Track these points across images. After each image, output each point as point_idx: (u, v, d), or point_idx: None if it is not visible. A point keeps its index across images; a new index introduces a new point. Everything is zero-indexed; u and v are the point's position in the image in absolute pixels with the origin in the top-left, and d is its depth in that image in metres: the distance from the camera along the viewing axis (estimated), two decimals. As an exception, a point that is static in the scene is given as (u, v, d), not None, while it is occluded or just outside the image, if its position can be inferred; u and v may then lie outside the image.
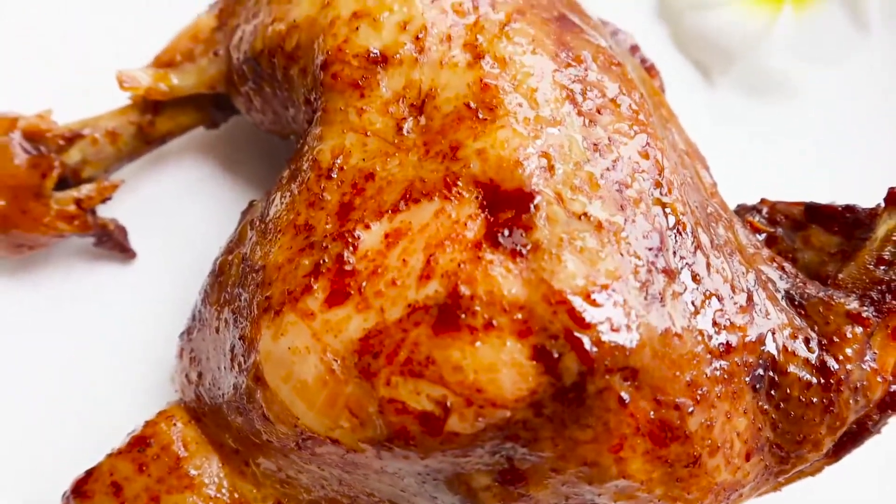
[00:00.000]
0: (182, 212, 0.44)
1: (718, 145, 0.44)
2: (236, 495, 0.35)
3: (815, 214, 0.35)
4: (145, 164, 0.43)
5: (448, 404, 0.29)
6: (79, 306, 0.42)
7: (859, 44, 0.44)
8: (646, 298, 0.29)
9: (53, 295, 0.42)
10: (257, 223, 0.34)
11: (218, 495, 0.35)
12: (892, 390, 0.33)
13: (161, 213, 0.43)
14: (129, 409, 0.39)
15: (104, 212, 0.41)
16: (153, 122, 0.41)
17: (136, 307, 0.42)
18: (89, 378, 0.40)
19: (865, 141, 0.44)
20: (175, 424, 0.35)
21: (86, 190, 0.39)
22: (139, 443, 0.35)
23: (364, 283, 0.30)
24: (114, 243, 0.41)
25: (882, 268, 0.32)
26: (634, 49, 0.42)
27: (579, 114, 0.32)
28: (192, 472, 0.35)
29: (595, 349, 0.28)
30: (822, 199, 0.36)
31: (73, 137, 0.39)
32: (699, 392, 0.30)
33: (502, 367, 0.29)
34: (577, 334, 0.28)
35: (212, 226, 0.43)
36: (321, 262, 0.31)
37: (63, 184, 0.39)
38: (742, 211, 0.37)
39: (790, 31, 0.45)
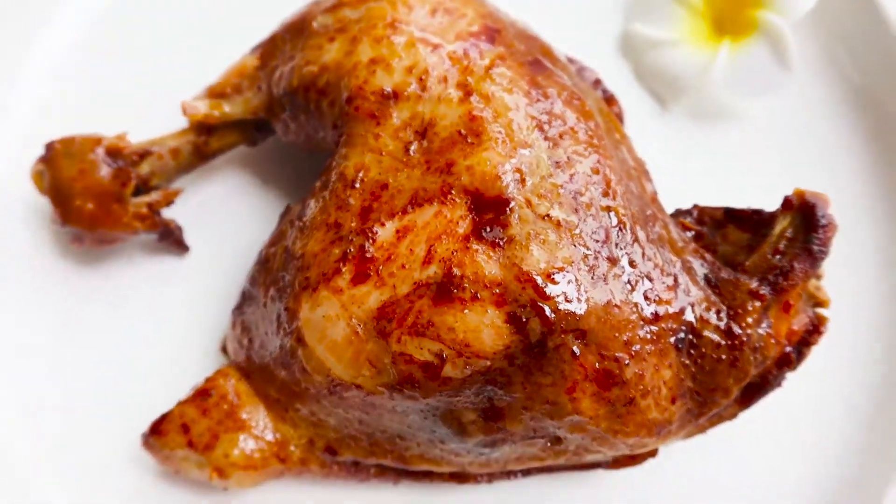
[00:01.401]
0: (226, 214, 0.50)
1: (670, 161, 0.51)
2: (278, 435, 0.43)
3: (732, 216, 0.43)
4: (199, 175, 0.50)
5: (444, 356, 0.36)
6: (144, 291, 0.49)
7: (782, 79, 0.51)
8: (593, 278, 0.38)
9: (124, 282, 0.49)
10: (296, 222, 0.42)
11: (263, 434, 0.43)
12: (785, 351, 0.41)
13: (210, 216, 0.50)
14: (186, 373, 0.46)
15: (166, 214, 0.48)
16: (207, 141, 0.48)
17: (189, 293, 0.49)
18: (155, 347, 0.47)
19: (784, 158, 0.51)
20: (229, 380, 0.43)
21: (155, 196, 0.47)
22: (202, 394, 0.43)
23: (380, 267, 0.38)
24: (173, 239, 0.48)
25: (777, 257, 0.40)
26: (597, 83, 0.49)
27: (545, 139, 0.40)
28: (244, 416, 0.43)
29: (553, 315, 0.36)
30: (742, 205, 0.43)
31: (144, 154, 0.46)
32: (633, 349, 0.37)
33: (484, 328, 0.36)
34: (540, 304, 0.36)
35: (250, 226, 0.50)
36: (348, 251, 0.38)
37: (137, 191, 0.46)
38: (678, 213, 0.44)
39: (727, 69, 0.52)
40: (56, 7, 0.51)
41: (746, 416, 0.42)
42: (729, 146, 0.53)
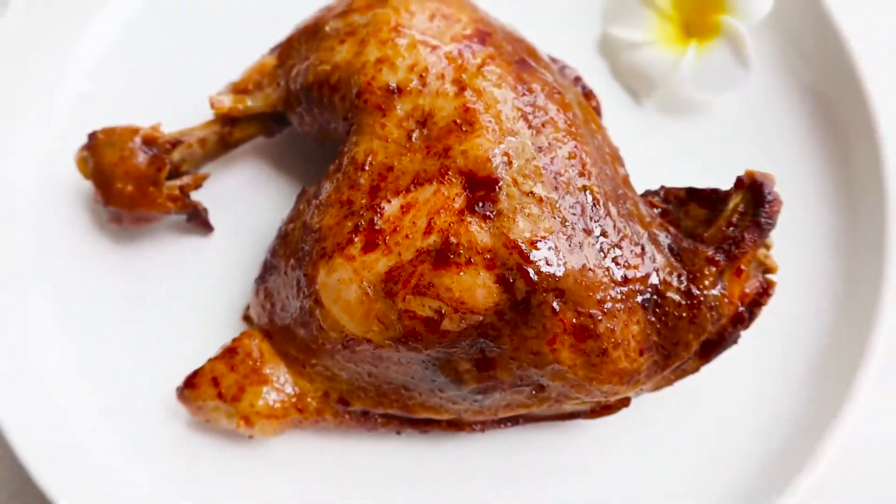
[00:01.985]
0: (246, 197, 0.55)
1: (642, 148, 0.56)
2: (297, 389, 0.48)
3: (694, 195, 0.48)
4: (223, 162, 0.55)
5: (442, 312, 0.42)
6: (173, 266, 0.53)
7: (742, 77, 0.56)
8: (570, 246, 0.43)
9: (156, 258, 0.53)
10: (313, 200, 0.48)
11: (284, 388, 0.48)
12: (739, 311, 0.46)
13: (232, 199, 0.55)
14: (212, 337, 0.51)
15: (193, 197, 0.53)
16: (231, 132, 0.53)
17: (213, 267, 0.54)
18: (184, 314, 0.52)
19: (742, 146, 0.57)
20: (253, 340, 0.48)
21: (185, 179, 0.51)
22: (230, 352, 0.48)
23: (387, 237, 0.43)
24: (199, 220, 0.53)
25: (730, 228, 0.45)
26: (577, 80, 0.54)
27: (529, 127, 0.45)
28: (267, 371, 0.48)
29: (536, 276, 0.41)
30: (703, 185, 0.48)
31: (175, 143, 0.51)
32: (606, 307, 0.42)
33: (477, 288, 0.41)
34: (524, 267, 0.41)
35: (267, 208, 0.55)
36: (359, 224, 0.43)
37: (169, 176, 0.51)
38: (647, 193, 0.49)
39: (694, 67, 0.57)
40: (95, 14, 0.56)
41: (707, 370, 0.47)
42: (694, 135, 0.58)
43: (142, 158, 0.50)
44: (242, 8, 0.59)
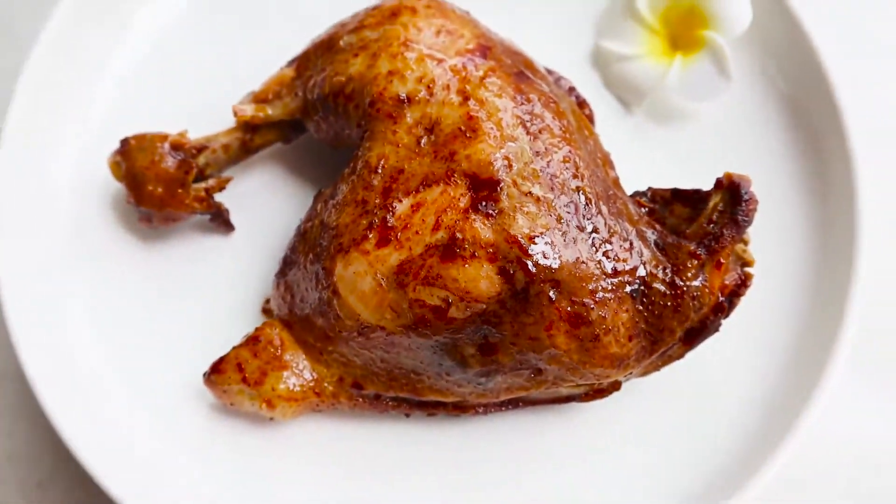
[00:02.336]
0: (265, 199, 0.59)
1: (632, 153, 0.59)
2: (314, 374, 0.51)
3: (678, 195, 0.51)
4: (244, 166, 0.59)
5: (449, 301, 0.45)
6: (197, 263, 0.57)
7: (723, 87, 0.59)
8: (565, 241, 0.46)
9: (181, 255, 0.57)
10: (329, 201, 0.51)
11: (303, 373, 0.51)
12: (719, 301, 0.50)
13: (252, 201, 0.58)
14: (234, 327, 0.55)
15: (217, 198, 0.57)
16: (252, 138, 0.56)
17: (234, 264, 0.57)
18: (207, 307, 0.56)
19: (723, 150, 0.60)
20: (275, 329, 0.52)
21: (210, 182, 0.55)
22: (253, 340, 0.52)
23: (399, 234, 0.46)
24: (221, 220, 0.57)
25: (711, 225, 0.48)
26: (572, 90, 0.58)
27: (528, 133, 0.48)
28: (287, 358, 0.51)
29: (534, 268, 0.45)
30: (686, 186, 0.51)
31: (201, 148, 0.55)
32: (597, 296, 0.46)
33: (481, 279, 0.45)
34: (524, 260, 0.45)
35: (284, 209, 0.59)
36: (373, 221, 0.47)
37: (195, 179, 0.55)
38: (635, 194, 0.53)
39: (680, 78, 0.61)
40: (127, 31, 0.60)
41: (691, 356, 0.51)
42: (679, 141, 0.61)
43: (170, 162, 0.54)
44: (262, 24, 0.63)
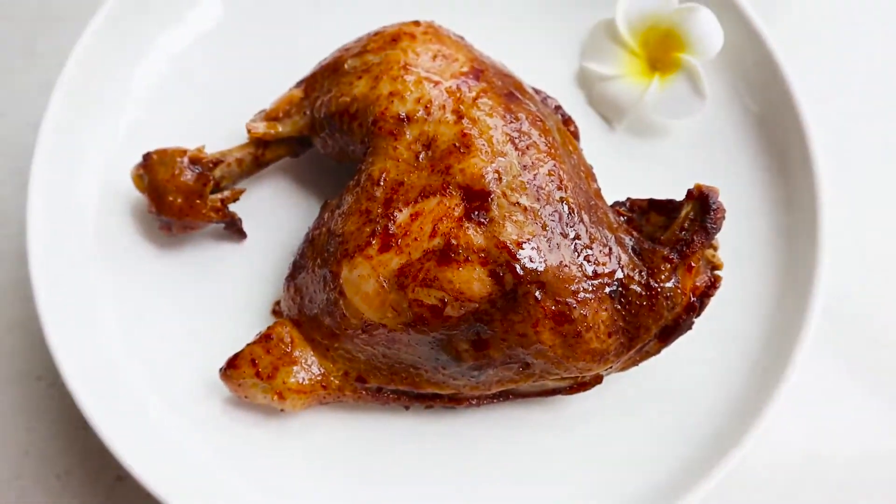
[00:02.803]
0: (274, 209, 0.62)
1: (613, 166, 0.62)
2: (322, 369, 0.55)
3: (654, 205, 0.55)
4: (255, 178, 0.62)
5: (445, 301, 0.49)
6: (212, 268, 0.60)
7: (698, 106, 0.63)
8: (549, 246, 0.50)
9: (197, 261, 0.60)
10: (336, 210, 0.55)
11: (311, 368, 0.55)
12: (691, 301, 0.53)
13: (263, 210, 0.62)
14: (246, 327, 0.58)
15: (230, 207, 0.60)
16: (263, 153, 0.59)
17: (247, 268, 0.60)
18: (221, 309, 0.59)
19: (697, 164, 0.63)
20: (285, 328, 0.55)
21: (226, 193, 0.58)
22: (265, 338, 0.55)
23: (399, 240, 0.50)
24: (235, 228, 0.60)
25: (683, 232, 0.52)
26: (558, 108, 0.60)
27: (516, 149, 0.52)
28: (296, 354, 0.55)
29: (522, 271, 0.49)
30: (662, 197, 0.55)
31: (217, 162, 0.58)
32: (579, 297, 0.49)
33: (473, 281, 0.49)
34: (512, 264, 0.49)
35: (292, 218, 0.62)
36: (376, 229, 0.51)
37: (212, 190, 0.58)
38: (615, 203, 0.56)
39: (658, 97, 0.64)
40: (147, 54, 0.63)
41: (667, 352, 0.55)
42: (656, 155, 0.65)
43: (189, 175, 0.57)
44: (272, 48, 0.66)
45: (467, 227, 0.50)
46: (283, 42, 0.66)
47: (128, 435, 0.53)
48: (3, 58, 0.74)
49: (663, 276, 0.53)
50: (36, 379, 0.64)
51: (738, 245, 0.61)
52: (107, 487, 0.62)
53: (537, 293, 0.50)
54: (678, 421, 0.58)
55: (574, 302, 0.50)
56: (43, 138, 0.58)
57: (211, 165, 0.59)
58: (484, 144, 0.52)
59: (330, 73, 0.59)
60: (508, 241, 0.50)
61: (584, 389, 0.56)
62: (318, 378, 0.55)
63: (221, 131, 0.62)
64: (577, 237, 0.52)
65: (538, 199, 0.52)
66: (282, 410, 0.56)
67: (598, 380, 0.56)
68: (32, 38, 0.75)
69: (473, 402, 0.57)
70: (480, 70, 0.57)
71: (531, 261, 0.50)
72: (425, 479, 0.57)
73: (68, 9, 0.75)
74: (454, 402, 0.57)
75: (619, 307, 0.52)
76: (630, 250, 0.54)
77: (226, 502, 0.54)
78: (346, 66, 0.58)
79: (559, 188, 0.53)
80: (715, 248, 0.56)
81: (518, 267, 0.50)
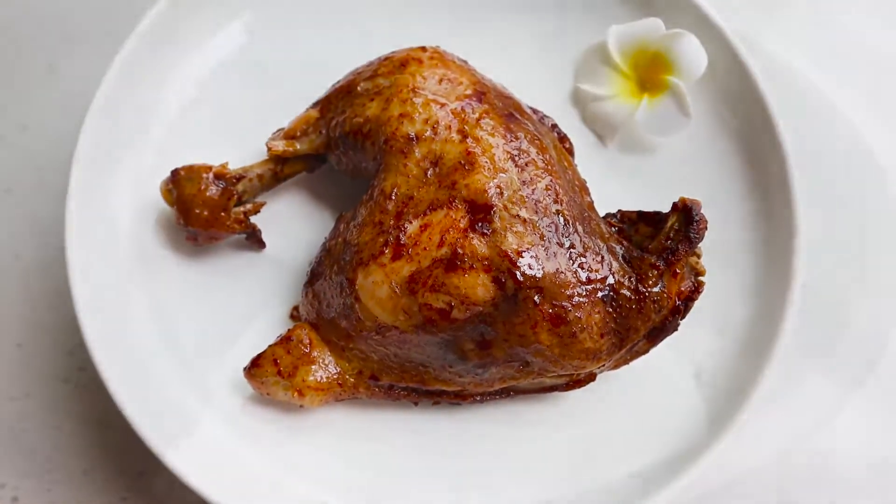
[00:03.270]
0: (292, 222, 0.65)
1: (606, 182, 0.66)
2: (338, 368, 0.58)
3: (642, 216, 0.58)
4: (274, 192, 0.65)
5: (452, 304, 0.52)
6: (235, 275, 0.63)
7: (683, 124, 0.66)
8: (547, 255, 0.54)
9: (220, 269, 0.64)
10: (351, 222, 0.59)
11: (328, 367, 0.58)
12: (676, 305, 0.57)
13: (281, 221, 0.65)
14: (266, 331, 0.62)
15: (252, 219, 0.63)
16: (282, 169, 0.62)
17: (266, 276, 0.63)
18: (243, 314, 0.63)
19: (683, 178, 0.66)
20: (304, 330, 0.58)
21: (247, 206, 0.61)
22: (286, 339, 0.58)
23: (410, 249, 0.53)
24: (255, 239, 0.63)
25: (668, 241, 0.55)
26: (554, 126, 0.63)
27: (516, 166, 0.55)
28: (315, 354, 0.58)
29: (522, 278, 0.52)
30: (649, 208, 0.59)
31: (239, 177, 0.61)
32: (574, 300, 0.53)
33: (478, 286, 0.52)
34: (513, 270, 0.52)
35: (308, 228, 0.65)
36: (388, 239, 0.54)
37: (235, 203, 0.62)
38: (607, 215, 0.59)
39: (647, 116, 0.67)
40: (173, 78, 0.67)
41: (655, 352, 0.59)
42: (645, 170, 0.68)
43: (214, 190, 0.60)
44: (290, 72, 0.69)
45: (472, 238, 0.53)
46: (300, 66, 0.69)
47: (160, 427, 0.58)
48: (26, 75, 0.77)
49: (651, 282, 0.57)
50: (63, 381, 0.68)
51: (719, 253, 0.65)
52: (130, 481, 0.66)
53: (536, 297, 0.53)
54: (663, 415, 0.63)
55: (569, 305, 0.54)
56: (78, 157, 0.62)
57: (234, 181, 0.62)
58: (487, 162, 0.56)
59: (344, 95, 0.62)
60: (509, 250, 0.53)
61: (580, 386, 0.60)
62: (335, 376, 0.60)
63: (243, 149, 0.66)
64: (572, 246, 0.56)
65: (536, 212, 0.56)
66: (301, 406, 0.60)
67: (592, 377, 0.60)
68: (55, 58, 0.78)
69: (478, 399, 0.61)
70: (483, 92, 0.60)
71: (530, 268, 0.53)
72: (434, 468, 0.60)
73: (89, 31, 0.78)
74: (460, 398, 0.61)
75: (610, 310, 0.55)
76: (620, 258, 0.58)
77: (243, 483, 0.57)
78: (358, 88, 0.61)
79: (555, 201, 0.57)
80: (698, 256, 0.60)
81: (518, 274, 0.53)
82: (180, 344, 0.63)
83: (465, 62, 0.66)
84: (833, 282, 0.72)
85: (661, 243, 0.58)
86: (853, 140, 0.77)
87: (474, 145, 0.56)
